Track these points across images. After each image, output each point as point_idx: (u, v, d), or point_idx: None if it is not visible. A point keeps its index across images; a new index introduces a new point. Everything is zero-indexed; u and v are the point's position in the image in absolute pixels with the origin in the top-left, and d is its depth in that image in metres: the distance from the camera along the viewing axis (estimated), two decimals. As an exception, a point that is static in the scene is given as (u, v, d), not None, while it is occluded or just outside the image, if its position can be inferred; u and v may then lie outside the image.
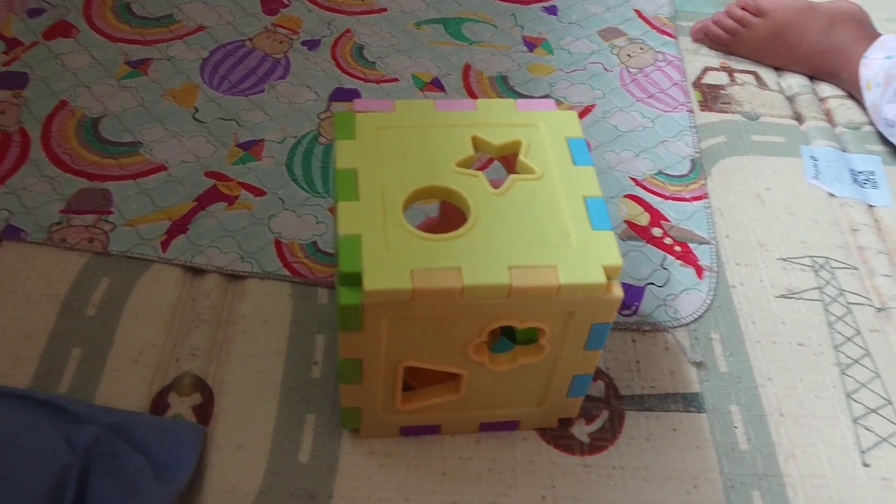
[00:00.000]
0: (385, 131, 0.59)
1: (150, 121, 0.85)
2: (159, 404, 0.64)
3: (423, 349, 0.55)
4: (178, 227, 0.75)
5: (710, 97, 0.95)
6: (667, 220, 0.80)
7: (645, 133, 0.89)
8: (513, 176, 0.57)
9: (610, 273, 0.53)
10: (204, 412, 0.64)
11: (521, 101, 0.63)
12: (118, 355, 0.66)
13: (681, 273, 0.76)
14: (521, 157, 0.58)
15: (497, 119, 0.61)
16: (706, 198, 0.83)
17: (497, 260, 0.52)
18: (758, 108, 0.94)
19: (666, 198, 0.82)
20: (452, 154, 0.58)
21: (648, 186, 0.83)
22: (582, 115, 0.90)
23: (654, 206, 0.81)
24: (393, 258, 0.52)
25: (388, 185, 0.56)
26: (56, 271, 0.71)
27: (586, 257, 0.53)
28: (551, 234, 0.54)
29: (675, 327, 0.72)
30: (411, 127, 0.60)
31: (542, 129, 0.61)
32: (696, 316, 0.73)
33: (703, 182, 0.85)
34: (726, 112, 0.93)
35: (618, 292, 0.53)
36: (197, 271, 0.73)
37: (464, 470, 0.62)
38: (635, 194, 0.82)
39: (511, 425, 0.63)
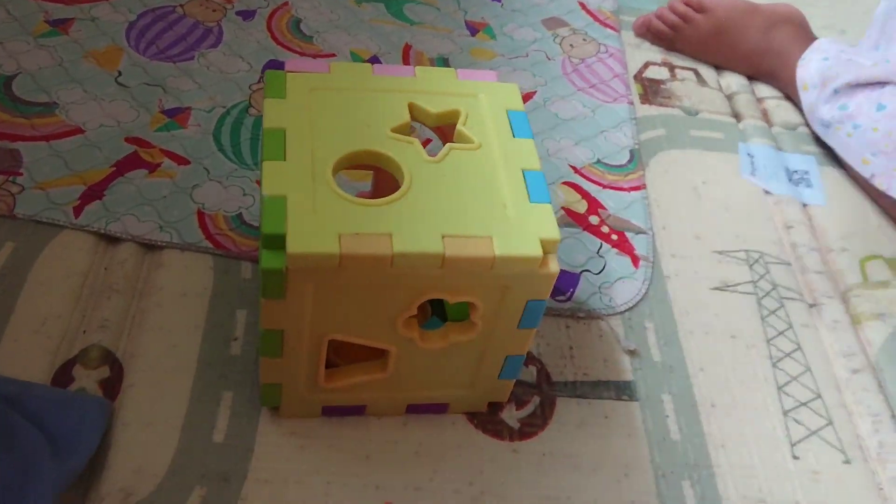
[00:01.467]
0: (318, 93, 0.56)
1: (69, 82, 0.80)
2: (62, 377, 0.59)
3: (349, 321, 0.52)
4: (94, 192, 0.71)
5: (651, 91, 0.94)
6: (604, 209, 0.79)
7: (585, 122, 0.88)
8: (450, 144, 0.55)
9: (547, 247, 0.51)
10: (111, 387, 0.59)
11: (462, 70, 0.60)
12: (18, 325, 0.61)
13: (617, 261, 0.75)
14: (460, 127, 0.56)
15: (436, 87, 0.59)
16: (644, 188, 0.82)
17: (430, 228, 0.49)
18: (697, 104, 0.94)
19: (604, 186, 0.81)
20: (388, 120, 0.55)
21: (587, 175, 0.82)
22: (523, 100, 0.88)
23: (592, 195, 0.80)
24: (320, 221, 0.49)
25: (318, 148, 0.53)
26: (-46, 233, 0.66)
27: (523, 229, 0.51)
28: (487, 205, 0.52)
29: (609, 315, 0.70)
30: (346, 90, 0.57)
31: (482, 99, 0.58)
32: (630, 304, 0.71)
33: (641, 173, 0.84)
34: (666, 106, 0.93)
35: (554, 267, 0.51)
36: (111, 240, 0.68)
37: (389, 453, 0.59)
38: (574, 182, 0.81)
39: (440, 408, 0.60)
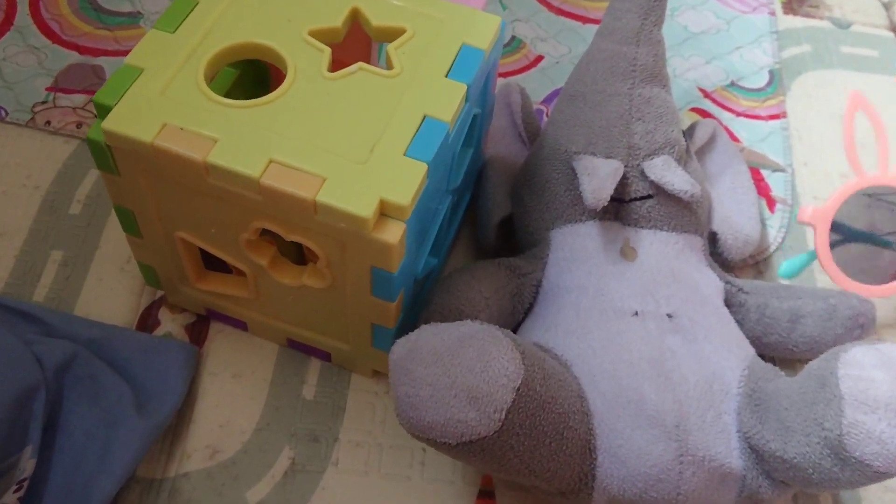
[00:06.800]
0: None
1: (153, -11, 0.74)
2: (148, 321, 0.56)
3: (194, 224, 0.48)
4: (179, 115, 0.66)
5: (796, -2, 0.82)
6: (737, 141, 0.70)
7: (718, 36, 0.77)
8: (360, 64, 0.47)
9: (387, 210, 0.42)
10: (198, 333, 0.56)
11: None
12: (103, 261, 0.58)
13: (750, 204, 0.66)
14: (390, 48, 0.48)
15: None
16: (784, 117, 0.72)
17: (265, 147, 0.43)
18: (849, 14, 0.81)
19: (738, 114, 0.72)
20: (316, 19, 0.48)
21: (718, 100, 0.73)
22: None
23: (724, 124, 0.71)
24: (157, 105, 0.44)
25: (216, 30, 0.47)
26: (38, 159, 0.63)
27: (369, 182, 0.42)
28: (352, 143, 0.43)
29: (737, 268, 0.63)
30: None
31: (443, 25, 0.49)
32: (763, 256, 0.63)
33: (781, 98, 0.74)
34: (813, 17, 0.81)
35: (390, 237, 0.42)
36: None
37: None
38: (703, 108, 0.72)
39: (322, 354, 0.55)
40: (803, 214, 0.58)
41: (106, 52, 0.69)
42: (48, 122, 0.64)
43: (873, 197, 0.60)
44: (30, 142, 0.63)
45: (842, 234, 0.59)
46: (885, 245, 0.59)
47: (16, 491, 0.47)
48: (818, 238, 0.58)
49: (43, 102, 0.65)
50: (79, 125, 0.64)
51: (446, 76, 0.47)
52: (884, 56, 0.78)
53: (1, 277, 0.57)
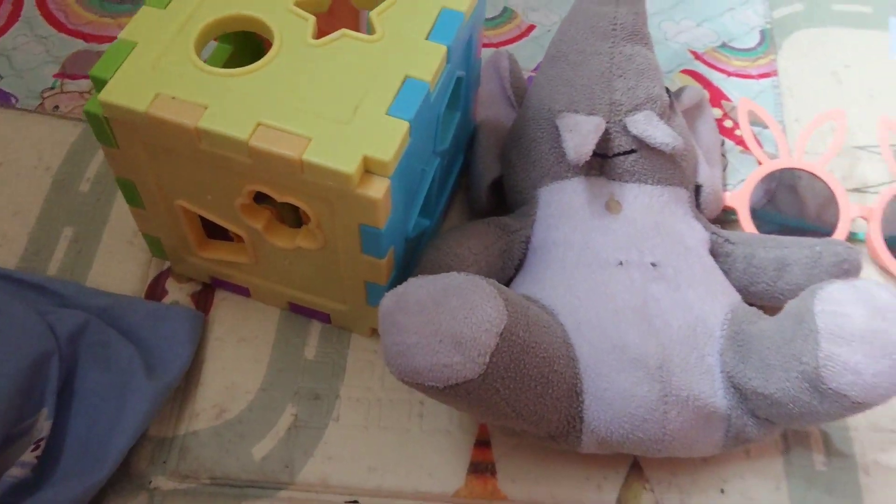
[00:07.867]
0: None
1: (154, -24, 0.76)
2: (156, 290, 0.59)
3: (191, 191, 0.50)
4: (182, 95, 0.68)
5: (788, -41, 0.83)
6: (728, 100, 0.71)
7: (709, -1, 0.78)
8: (343, 31, 0.49)
9: (371, 166, 0.44)
10: (204, 300, 0.59)
11: None
12: (112, 236, 0.61)
13: (740, 161, 0.67)
14: (373, 15, 0.50)
15: None
16: (775, 75, 0.73)
17: (252, 111, 0.45)
18: (842, -28, 0.82)
19: (729, 74, 0.73)
20: None
21: (709, 61, 0.73)
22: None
23: (715, 84, 0.72)
24: (151, 77, 0.46)
25: (206, 4, 0.50)
26: (48, 142, 0.65)
27: (352, 140, 0.44)
28: (336, 105, 0.45)
29: (727, 222, 0.64)
30: None
31: None
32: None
33: (772, 57, 0.74)
34: (805, -24, 0.81)
35: (375, 192, 0.44)
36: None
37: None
38: (694, 69, 0.73)
39: (322, 316, 0.57)
40: (726, 199, 0.62)
41: (110, 39, 0.72)
42: (56, 107, 0.67)
43: (779, 179, 0.64)
44: (40, 126, 0.66)
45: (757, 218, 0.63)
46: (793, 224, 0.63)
47: (33, 450, 0.49)
48: (741, 217, 0.62)
49: (51, 88, 0.68)
50: (86, 108, 0.67)
51: (427, 38, 0.48)
52: (877, 12, 0.79)
53: (17, 253, 0.60)
